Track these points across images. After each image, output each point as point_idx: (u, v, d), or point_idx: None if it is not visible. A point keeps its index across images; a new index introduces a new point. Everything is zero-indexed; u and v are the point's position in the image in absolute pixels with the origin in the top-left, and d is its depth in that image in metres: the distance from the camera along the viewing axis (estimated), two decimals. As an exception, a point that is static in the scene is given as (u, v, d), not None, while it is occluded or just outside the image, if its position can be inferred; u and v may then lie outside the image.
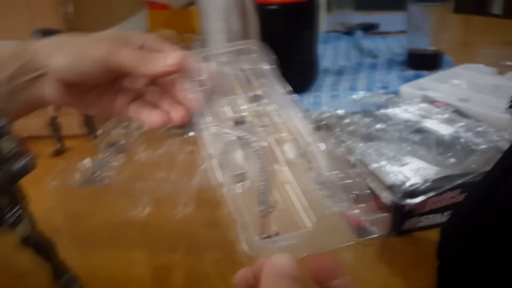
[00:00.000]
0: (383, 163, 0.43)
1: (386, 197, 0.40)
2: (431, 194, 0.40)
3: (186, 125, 0.36)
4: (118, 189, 0.43)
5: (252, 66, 0.36)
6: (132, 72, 0.34)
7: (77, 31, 0.37)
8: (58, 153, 0.64)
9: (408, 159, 0.43)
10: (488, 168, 0.29)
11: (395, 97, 0.61)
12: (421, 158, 0.44)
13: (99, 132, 0.51)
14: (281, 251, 0.22)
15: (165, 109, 0.35)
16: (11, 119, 0.32)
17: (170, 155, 0.50)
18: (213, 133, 0.30)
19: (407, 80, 0.71)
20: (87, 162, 0.44)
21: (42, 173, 0.36)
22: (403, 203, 0.39)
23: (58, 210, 0.42)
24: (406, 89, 0.66)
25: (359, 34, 1.07)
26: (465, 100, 0.58)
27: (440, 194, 0.40)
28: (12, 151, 0.31)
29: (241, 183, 0.27)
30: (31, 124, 0.43)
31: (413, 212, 0.40)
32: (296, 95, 0.33)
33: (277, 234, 0.24)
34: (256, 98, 0.33)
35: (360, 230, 0.25)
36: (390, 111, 0.55)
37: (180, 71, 0.33)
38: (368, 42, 1.02)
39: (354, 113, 0.55)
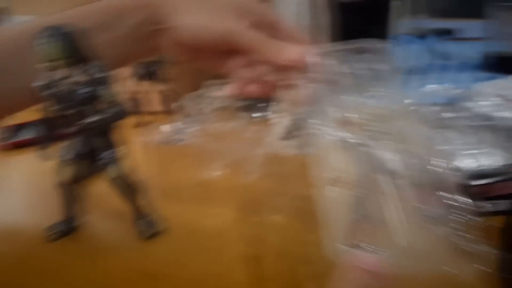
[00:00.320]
0: (453, 147, 0.43)
1: (453, 177, 0.40)
2: (499, 178, 0.39)
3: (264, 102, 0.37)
4: (193, 150, 0.47)
5: (370, 66, 0.33)
6: (252, 54, 0.34)
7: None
8: (138, 126, 0.70)
9: (477, 145, 0.43)
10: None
11: (467, 91, 0.60)
12: (491, 145, 0.43)
13: (176, 104, 0.56)
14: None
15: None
16: (119, 65, 0.37)
17: (239, 129, 0.53)
18: (317, 131, 0.29)
19: (480, 81, 0.69)
20: (166, 127, 0.49)
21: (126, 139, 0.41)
22: (470, 183, 0.39)
23: (142, 165, 0.47)
24: (479, 87, 0.64)
25: (432, 38, 1.05)
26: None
27: (508, 180, 0.39)
28: (110, 99, 0.36)
29: (336, 187, 0.26)
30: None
31: (479, 194, 0.40)
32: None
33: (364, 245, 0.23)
34: (369, 100, 0.31)
35: (458, 260, 0.22)
36: (461, 103, 0.54)
37: (300, 67, 0.33)
38: (441, 46, 0.99)
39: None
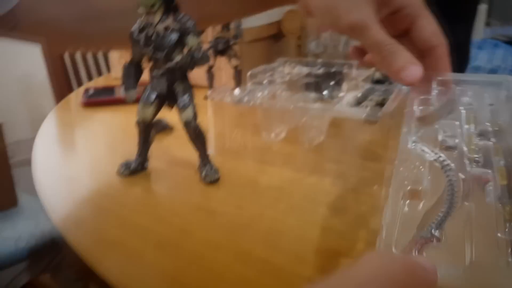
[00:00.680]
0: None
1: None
2: None
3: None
4: (259, 113, 0.49)
5: (495, 103, 0.33)
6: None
7: None
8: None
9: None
10: None
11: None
12: None
13: (249, 73, 0.59)
14: None
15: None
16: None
17: (305, 101, 0.55)
18: (412, 147, 0.28)
19: None
20: (236, 90, 0.52)
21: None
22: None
23: (209, 120, 0.51)
24: None
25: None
26: None
27: None
28: (194, 45, 0.40)
29: (409, 201, 0.25)
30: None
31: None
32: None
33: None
34: (481, 133, 0.30)
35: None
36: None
37: (414, 85, 0.32)
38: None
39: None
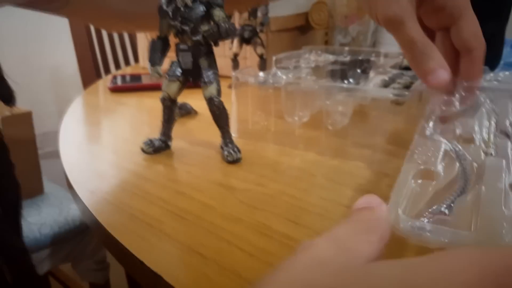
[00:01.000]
0: None
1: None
2: None
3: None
4: (283, 96, 0.49)
5: None
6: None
7: None
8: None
9: None
10: None
11: None
12: None
13: (275, 57, 0.58)
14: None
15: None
16: None
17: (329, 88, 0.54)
18: (429, 135, 0.29)
19: None
20: (261, 73, 0.51)
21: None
22: None
23: (234, 103, 0.51)
24: None
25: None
26: None
27: None
28: (221, 18, 0.40)
29: (421, 180, 0.25)
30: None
31: None
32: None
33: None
34: (501, 132, 0.30)
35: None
36: None
37: (438, 89, 0.32)
38: None
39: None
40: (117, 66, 1.47)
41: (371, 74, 0.59)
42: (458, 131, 0.30)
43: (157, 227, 0.34)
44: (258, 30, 0.73)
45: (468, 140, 0.29)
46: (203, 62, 0.42)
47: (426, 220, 0.22)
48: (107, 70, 1.42)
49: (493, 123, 0.31)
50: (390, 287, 0.12)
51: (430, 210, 0.23)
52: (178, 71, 0.44)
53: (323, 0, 0.85)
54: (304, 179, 0.41)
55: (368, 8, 0.34)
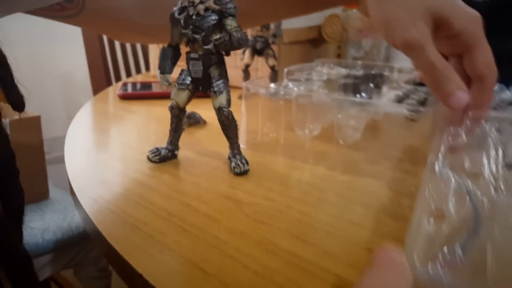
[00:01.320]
0: None
1: None
2: None
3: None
4: (294, 108, 0.48)
5: None
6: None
7: None
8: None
9: None
10: None
11: None
12: None
13: (287, 69, 0.57)
14: None
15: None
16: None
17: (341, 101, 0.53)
18: (438, 171, 0.28)
19: None
20: (272, 85, 0.50)
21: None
22: None
23: (244, 114, 0.50)
24: None
25: None
26: None
27: None
28: (233, 27, 0.39)
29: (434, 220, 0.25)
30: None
31: None
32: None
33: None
34: (508, 164, 0.30)
35: None
36: None
37: (458, 111, 0.32)
38: None
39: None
40: (128, 74, 1.47)
41: (384, 88, 0.58)
42: (466, 164, 0.30)
43: (159, 239, 0.33)
44: (270, 41, 0.73)
45: (476, 174, 0.29)
46: (214, 72, 0.41)
47: (440, 265, 0.21)
48: (118, 78, 1.43)
49: (500, 154, 0.30)
50: None
51: (444, 252, 0.22)
52: (188, 80, 0.43)
53: (337, 13, 0.85)
54: (313, 194, 0.39)
55: (384, 31, 0.34)
